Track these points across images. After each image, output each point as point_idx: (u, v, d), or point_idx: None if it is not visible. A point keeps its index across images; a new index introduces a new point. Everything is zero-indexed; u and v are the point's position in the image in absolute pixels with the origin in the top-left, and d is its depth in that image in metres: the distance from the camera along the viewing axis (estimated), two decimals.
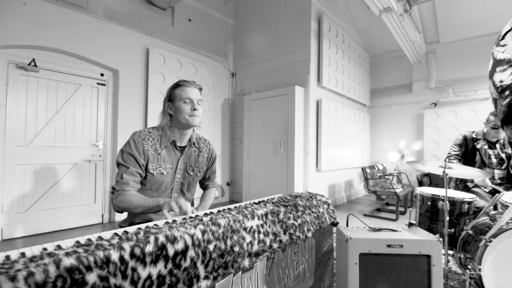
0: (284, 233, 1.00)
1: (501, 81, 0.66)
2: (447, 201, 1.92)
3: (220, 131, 5.11)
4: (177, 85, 1.36)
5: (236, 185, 5.20)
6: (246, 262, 0.83)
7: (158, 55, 4.04)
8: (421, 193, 2.24)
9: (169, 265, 0.65)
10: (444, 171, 1.92)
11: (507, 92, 0.65)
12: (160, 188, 1.33)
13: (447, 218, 1.91)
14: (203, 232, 0.76)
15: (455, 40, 5.52)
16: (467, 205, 2.02)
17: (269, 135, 4.44)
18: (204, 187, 1.63)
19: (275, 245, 0.94)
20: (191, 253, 0.70)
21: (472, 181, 2.56)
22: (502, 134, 2.52)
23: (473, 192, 2.47)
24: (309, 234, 1.12)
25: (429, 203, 2.15)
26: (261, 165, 4.54)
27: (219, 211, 0.97)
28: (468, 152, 2.61)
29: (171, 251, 0.67)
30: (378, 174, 4.67)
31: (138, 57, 3.90)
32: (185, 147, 1.42)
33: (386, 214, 4.28)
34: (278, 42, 4.67)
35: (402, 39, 4.55)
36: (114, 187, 1.20)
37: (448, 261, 2.26)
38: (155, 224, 0.83)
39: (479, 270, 1.60)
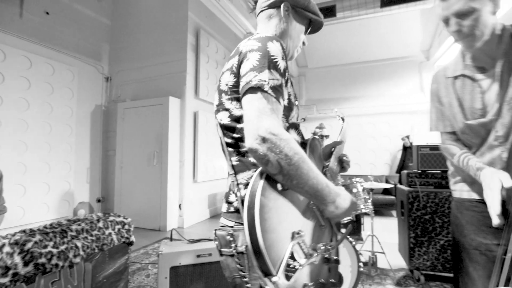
0: (26, 265, 0.94)
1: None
2: None
3: (89, 142, 4.58)
4: None
5: (109, 202, 4.73)
6: None
7: None
8: None
9: None
10: None
11: None
12: None
13: None
14: None
15: (319, 66, 6.62)
16: None
17: (143, 146, 4.24)
18: None
19: (3, 280, 0.88)
20: None
21: None
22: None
23: None
24: (77, 260, 1.10)
25: None
26: (134, 179, 4.29)
27: None
28: None
29: None
30: None
31: None
32: None
33: None
34: (156, 50, 4.56)
35: None
36: None
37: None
38: None
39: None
